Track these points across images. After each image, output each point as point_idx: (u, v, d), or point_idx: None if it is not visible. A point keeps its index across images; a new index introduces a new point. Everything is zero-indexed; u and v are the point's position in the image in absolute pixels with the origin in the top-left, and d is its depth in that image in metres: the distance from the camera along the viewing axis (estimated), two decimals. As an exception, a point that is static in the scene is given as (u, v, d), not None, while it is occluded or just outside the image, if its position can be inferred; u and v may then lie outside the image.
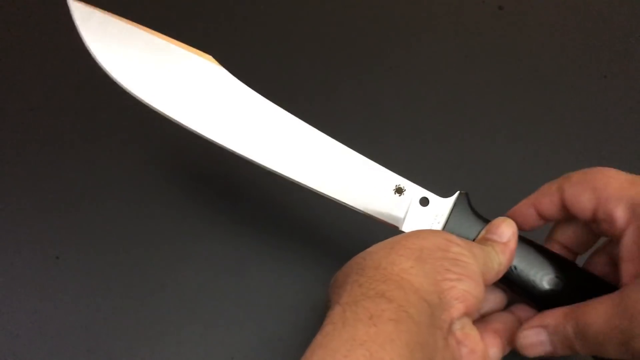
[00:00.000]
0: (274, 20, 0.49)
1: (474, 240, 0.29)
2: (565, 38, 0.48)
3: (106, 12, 0.30)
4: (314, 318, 0.36)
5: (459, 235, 0.28)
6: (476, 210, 0.30)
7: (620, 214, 0.25)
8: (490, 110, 0.44)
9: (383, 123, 0.44)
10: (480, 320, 0.29)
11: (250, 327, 0.36)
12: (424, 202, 0.30)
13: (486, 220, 0.29)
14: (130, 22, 0.30)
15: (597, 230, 0.28)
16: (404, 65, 0.47)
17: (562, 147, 0.43)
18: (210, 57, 0.31)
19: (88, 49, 0.30)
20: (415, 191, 0.30)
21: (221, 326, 0.36)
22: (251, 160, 0.30)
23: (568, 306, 0.26)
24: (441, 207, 0.30)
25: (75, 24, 0.30)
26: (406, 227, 0.30)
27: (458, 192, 0.30)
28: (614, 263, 0.27)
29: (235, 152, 0.30)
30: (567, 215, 0.28)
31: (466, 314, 0.24)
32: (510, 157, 0.42)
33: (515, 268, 0.28)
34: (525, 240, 0.29)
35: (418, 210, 0.30)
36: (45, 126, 0.44)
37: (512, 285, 0.29)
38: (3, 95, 0.45)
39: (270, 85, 0.46)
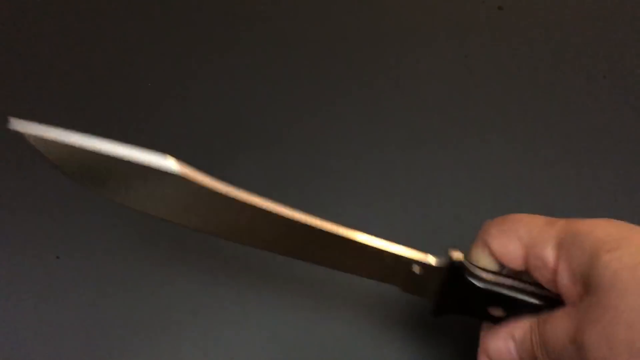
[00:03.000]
0: (272, 21, 0.49)
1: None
2: (565, 38, 0.48)
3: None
4: (314, 318, 0.36)
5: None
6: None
7: (550, 253, 0.25)
8: (490, 111, 0.44)
9: (382, 123, 0.44)
10: None
11: (250, 327, 0.36)
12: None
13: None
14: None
15: (532, 279, 0.27)
16: (404, 65, 0.47)
17: (562, 147, 0.43)
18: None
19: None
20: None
21: (221, 326, 0.36)
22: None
23: (531, 317, 0.26)
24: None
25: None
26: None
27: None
28: None
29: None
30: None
31: None
32: (510, 158, 0.42)
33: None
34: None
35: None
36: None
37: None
38: (3, 95, 0.45)
39: (270, 87, 0.46)
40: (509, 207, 0.39)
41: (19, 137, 0.24)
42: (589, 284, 0.24)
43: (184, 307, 0.36)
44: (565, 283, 0.25)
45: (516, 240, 0.26)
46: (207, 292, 0.37)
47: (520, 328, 0.27)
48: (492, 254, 0.27)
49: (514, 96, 0.45)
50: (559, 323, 0.25)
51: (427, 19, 0.49)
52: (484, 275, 0.27)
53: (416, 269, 0.27)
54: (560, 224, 0.26)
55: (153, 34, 0.49)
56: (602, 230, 0.24)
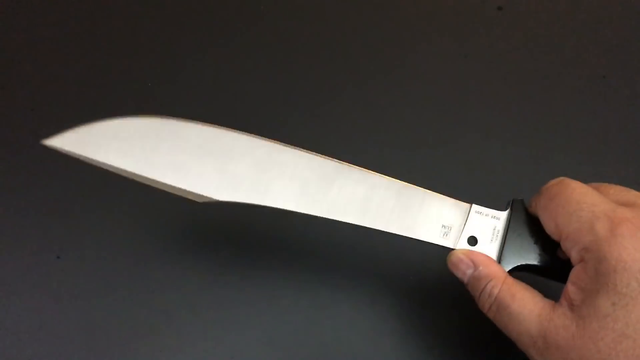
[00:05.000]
0: (272, 21, 0.49)
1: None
2: (565, 38, 0.48)
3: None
4: (314, 318, 0.36)
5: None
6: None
7: (575, 255, 0.26)
8: (490, 111, 0.44)
9: (382, 124, 0.44)
10: None
11: (250, 327, 0.36)
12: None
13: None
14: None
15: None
16: (404, 65, 0.47)
17: (562, 147, 0.43)
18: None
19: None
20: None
21: (221, 326, 0.36)
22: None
23: (510, 276, 0.28)
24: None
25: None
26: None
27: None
28: None
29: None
30: None
31: None
32: (510, 157, 0.42)
33: None
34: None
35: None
36: (46, 126, 0.44)
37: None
38: (3, 95, 0.45)
39: (269, 87, 0.46)
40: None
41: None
42: (582, 312, 0.25)
43: (184, 307, 0.36)
44: (571, 284, 0.26)
45: (554, 226, 0.27)
46: (207, 292, 0.37)
47: (491, 268, 0.28)
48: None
49: (514, 96, 0.45)
50: (529, 312, 0.26)
51: (427, 19, 0.49)
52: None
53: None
54: (596, 234, 0.25)
55: (153, 34, 0.49)
56: (625, 279, 0.24)
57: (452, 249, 0.30)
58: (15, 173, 0.42)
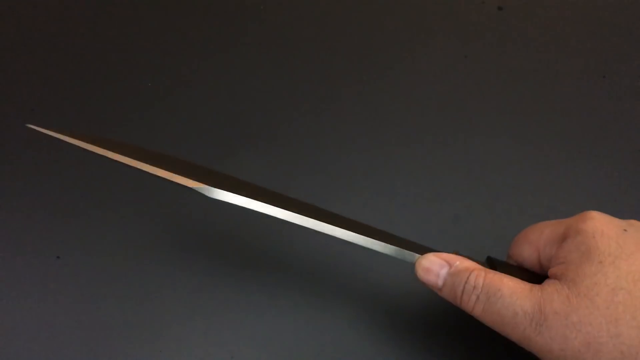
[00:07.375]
0: (272, 21, 0.50)
1: None
2: (565, 38, 0.48)
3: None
4: (314, 317, 0.36)
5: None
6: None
7: (555, 248, 0.27)
8: (490, 110, 0.44)
9: (382, 123, 0.44)
10: None
11: (250, 327, 0.36)
12: None
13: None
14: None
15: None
16: (404, 65, 0.47)
17: (562, 147, 0.43)
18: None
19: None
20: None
21: (221, 327, 0.36)
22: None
23: (483, 267, 0.28)
24: None
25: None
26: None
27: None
28: None
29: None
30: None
31: None
32: (510, 158, 0.42)
33: None
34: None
35: None
36: (46, 126, 0.44)
37: None
38: (3, 95, 0.45)
39: (270, 86, 0.46)
40: (509, 207, 0.39)
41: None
42: (570, 276, 0.25)
43: (184, 307, 0.36)
44: (553, 266, 0.27)
45: (528, 245, 0.28)
46: (207, 292, 0.37)
47: (468, 262, 0.28)
48: (515, 261, 0.29)
49: (514, 96, 0.45)
50: (520, 292, 0.26)
51: (428, 19, 0.49)
52: None
53: None
54: (569, 222, 0.27)
55: (153, 34, 0.49)
56: (605, 241, 0.25)
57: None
58: (16, 173, 0.42)
